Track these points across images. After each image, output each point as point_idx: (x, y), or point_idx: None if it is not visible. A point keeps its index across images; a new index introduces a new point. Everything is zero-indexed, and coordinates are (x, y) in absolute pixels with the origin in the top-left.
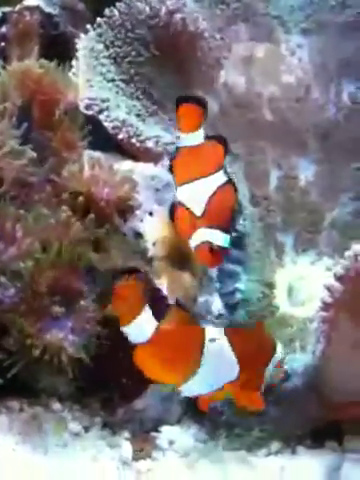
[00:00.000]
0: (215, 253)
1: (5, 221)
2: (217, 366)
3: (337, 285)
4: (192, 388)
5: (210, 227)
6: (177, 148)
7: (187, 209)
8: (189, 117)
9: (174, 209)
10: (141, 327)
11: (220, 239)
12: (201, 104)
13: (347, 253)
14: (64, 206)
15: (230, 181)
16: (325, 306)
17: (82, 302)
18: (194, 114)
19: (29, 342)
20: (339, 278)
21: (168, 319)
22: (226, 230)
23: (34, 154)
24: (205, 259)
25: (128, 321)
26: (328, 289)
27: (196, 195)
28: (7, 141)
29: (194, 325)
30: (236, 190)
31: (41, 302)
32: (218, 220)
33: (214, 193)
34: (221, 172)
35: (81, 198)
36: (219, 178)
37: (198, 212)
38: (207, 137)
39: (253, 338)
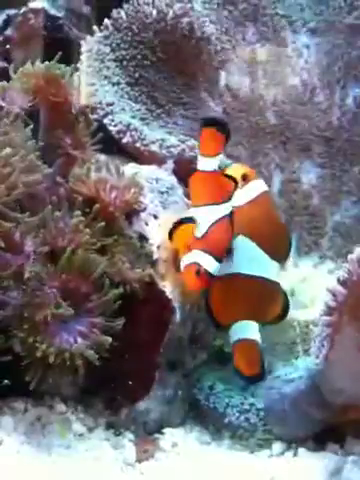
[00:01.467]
0: (201, 276)
1: (13, 230)
2: None
3: (340, 289)
4: None
5: (204, 251)
6: (195, 169)
7: (190, 229)
8: (210, 142)
9: (177, 227)
10: None
11: (210, 265)
12: (224, 131)
13: (350, 257)
14: (77, 211)
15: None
16: (329, 310)
17: (90, 305)
18: (215, 140)
19: (41, 348)
20: (342, 282)
21: None
22: (218, 259)
23: (49, 169)
24: (189, 279)
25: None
26: (332, 293)
27: (202, 218)
28: (26, 155)
29: None
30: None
31: (50, 307)
32: (214, 247)
33: (217, 221)
34: (229, 204)
35: (97, 205)
36: (226, 209)
37: (198, 234)
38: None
39: None
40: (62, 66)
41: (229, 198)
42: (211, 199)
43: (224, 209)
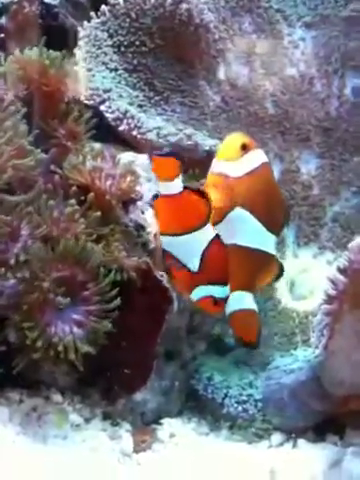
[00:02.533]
0: (218, 303)
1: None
2: None
3: (340, 278)
4: None
5: (209, 283)
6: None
7: (182, 266)
8: (164, 167)
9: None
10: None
11: (220, 293)
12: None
13: (351, 245)
14: (72, 200)
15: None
16: (329, 299)
17: (86, 294)
18: (168, 164)
19: (31, 336)
20: (342, 271)
21: None
22: (224, 283)
23: (43, 155)
24: (210, 310)
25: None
26: (332, 282)
27: (188, 251)
28: (17, 139)
29: None
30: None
31: (45, 295)
32: (214, 278)
33: (206, 249)
34: (209, 225)
35: (91, 194)
36: (209, 233)
37: (194, 268)
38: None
39: None
40: (53, 53)
41: (207, 218)
42: (188, 226)
43: (207, 233)
